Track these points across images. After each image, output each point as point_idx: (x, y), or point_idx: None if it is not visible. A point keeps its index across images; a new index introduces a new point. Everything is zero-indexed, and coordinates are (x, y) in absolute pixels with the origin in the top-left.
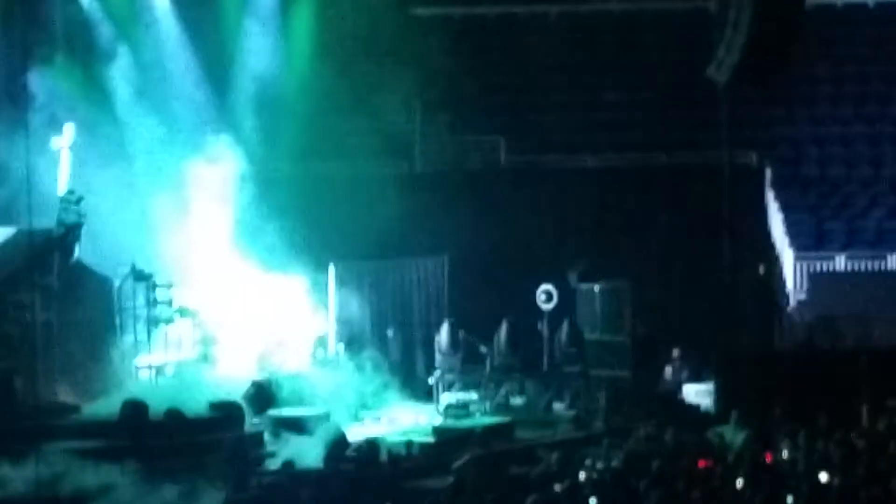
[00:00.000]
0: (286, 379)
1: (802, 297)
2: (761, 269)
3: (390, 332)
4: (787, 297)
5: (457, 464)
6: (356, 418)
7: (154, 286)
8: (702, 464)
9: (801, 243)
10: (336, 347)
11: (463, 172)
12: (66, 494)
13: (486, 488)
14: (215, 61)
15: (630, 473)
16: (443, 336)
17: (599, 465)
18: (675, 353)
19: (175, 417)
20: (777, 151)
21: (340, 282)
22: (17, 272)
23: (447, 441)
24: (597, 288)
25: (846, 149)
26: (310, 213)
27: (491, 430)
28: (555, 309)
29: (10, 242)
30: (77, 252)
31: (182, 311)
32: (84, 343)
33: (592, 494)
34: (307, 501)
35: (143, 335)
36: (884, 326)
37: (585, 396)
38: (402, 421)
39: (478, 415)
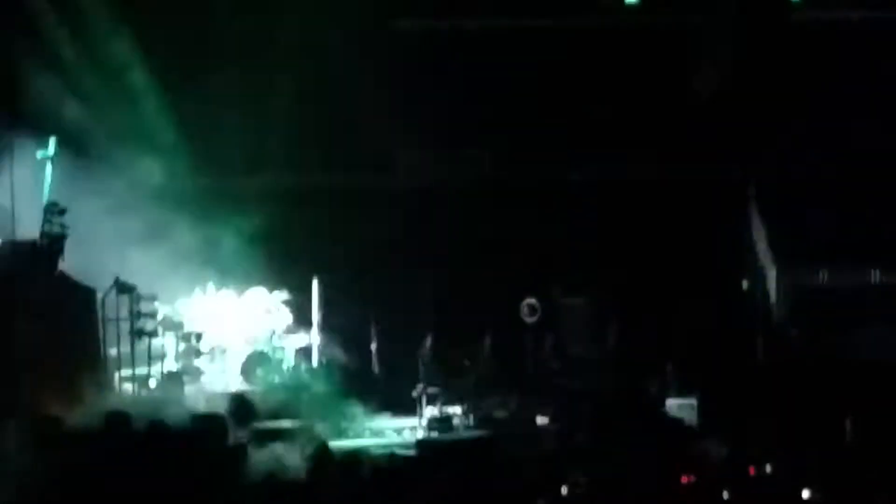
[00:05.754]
0: (269, 391)
1: (786, 311)
2: (745, 284)
3: (373, 346)
4: (770, 311)
5: (440, 477)
6: (339, 431)
7: (138, 298)
8: (685, 479)
9: (785, 258)
10: (319, 360)
11: (446, 186)
12: None
13: (469, 502)
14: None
15: (613, 488)
16: (426, 349)
17: (583, 480)
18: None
19: (158, 430)
20: (761, 166)
21: (323, 295)
22: None
23: (430, 454)
24: (581, 302)
25: (831, 164)
26: (293, 226)
27: (474, 444)
28: (539, 322)
29: None
30: (61, 264)
31: (166, 324)
32: (67, 355)
33: None
34: None
35: (126, 347)
36: (867, 341)
37: (569, 410)
38: (385, 434)
39: (461, 428)
